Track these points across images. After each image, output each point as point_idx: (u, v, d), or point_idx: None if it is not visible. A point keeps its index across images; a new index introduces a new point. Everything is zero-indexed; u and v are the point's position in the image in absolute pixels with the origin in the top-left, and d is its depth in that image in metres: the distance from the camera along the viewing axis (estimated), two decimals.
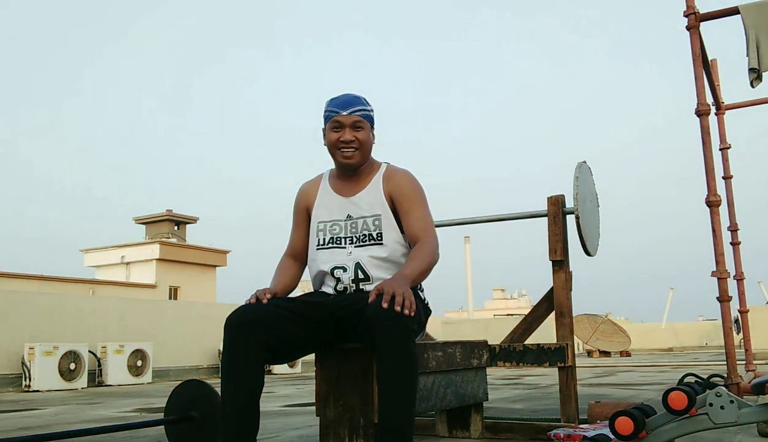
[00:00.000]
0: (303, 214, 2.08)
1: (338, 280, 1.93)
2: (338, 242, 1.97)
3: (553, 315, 2.90)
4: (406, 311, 1.59)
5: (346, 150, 1.96)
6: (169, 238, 25.68)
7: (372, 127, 2.01)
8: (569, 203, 2.88)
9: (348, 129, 1.95)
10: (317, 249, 1.99)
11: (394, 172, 2.02)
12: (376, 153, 2.10)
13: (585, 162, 2.95)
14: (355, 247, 1.95)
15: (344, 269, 1.93)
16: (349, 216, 1.99)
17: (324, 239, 1.99)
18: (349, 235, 1.96)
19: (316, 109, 2.07)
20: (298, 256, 2.09)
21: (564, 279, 2.84)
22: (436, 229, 2.06)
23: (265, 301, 1.80)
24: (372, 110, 2.02)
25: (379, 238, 1.94)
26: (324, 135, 2.01)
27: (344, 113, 1.95)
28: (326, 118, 1.99)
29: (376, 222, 1.95)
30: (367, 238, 1.95)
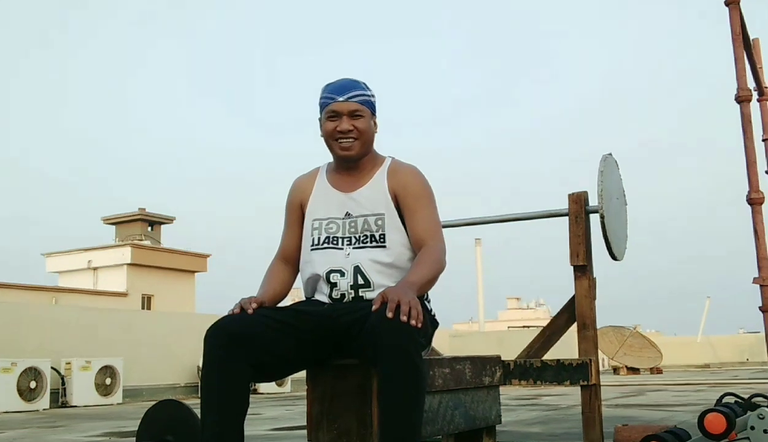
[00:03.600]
0: (296, 211, 2.08)
1: (334, 285, 1.93)
2: (335, 242, 1.97)
3: (574, 327, 2.90)
4: (414, 322, 1.59)
5: (344, 141, 1.96)
6: (141, 240, 25.68)
7: (373, 114, 2.02)
8: (593, 201, 2.88)
9: (345, 118, 1.95)
10: (311, 250, 1.99)
11: (399, 167, 2.02)
12: (380, 146, 2.10)
13: (610, 154, 2.95)
14: (353, 248, 1.94)
15: (341, 273, 1.92)
16: (348, 214, 1.99)
17: (319, 239, 1.98)
18: (348, 235, 1.96)
19: (311, 98, 2.07)
20: (290, 259, 2.09)
21: (587, 286, 2.84)
22: (444, 229, 2.07)
23: (250, 311, 1.80)
24: (373, 96, 2.02)
25: (382, 240, 1.94)
26: (320, 125, 2.02)
27: (340, 100, 1.96)
28: (321, 106, 2.00)
29: (379, 222, 1.95)
30: (368, 239, 1.94)
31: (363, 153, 1.99)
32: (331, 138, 1.99)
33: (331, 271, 1.93)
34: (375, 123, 2.03)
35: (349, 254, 1.94)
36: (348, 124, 1.96)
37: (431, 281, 1.86)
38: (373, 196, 1.98)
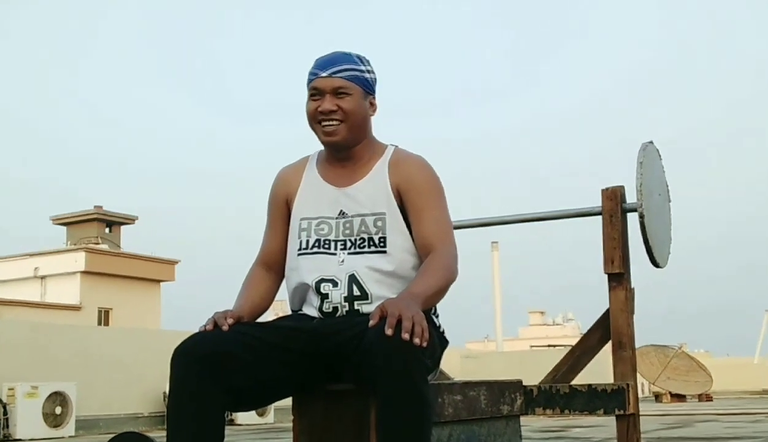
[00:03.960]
0: (281, 208, 2.08)
1: (325, 297, 1.92)
2: (326, 246, 1.96)
3: (609, 346, 2.90)
4: (417, 340, 1.59)
5: (327, 124, 1.95)
6: (98, 243, 25.68)
7: (368, 93, 2.01)
8: (631, 197, 2.87)
9: (328, 96, 1.95)
10: (299, 255, 1.99)
11: (403, 159, 2.03)
12: (380, 135, 2.10)
13: (651, 143, 2.94)
14: (348, 253, 1.94)
15: (334, 283, 1.92)
16: (342, 213, 1.98)
17: (308, 242, 1.98)
18: (342, 237, 1.96)
19: (299, 81, 2.07)
20: (272, 265, 2.09)
21: (624, 298, 2.84)
22: (455, 231, 2.06)
23: (225, 327, 1.80)
24: (369, 71, 2.01)
25: (382, 244, 1.93)
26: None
27: (323, 75, 1.95)
28: (307, 84, 2.00)
29: (379, 222, 1.95)
30: (365, 242, 1.94)
31: (351, 139, 1.98)
32: (313, 120, 1.99)
33: (322, 280, 1.93)
34: (372, 104, 2.02)
35: (343, 261, 1.94)
36: (331, 103, 1.94)
37: (439, 292, 1.86)
38: (372, 191, 1.98)
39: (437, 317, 2.00)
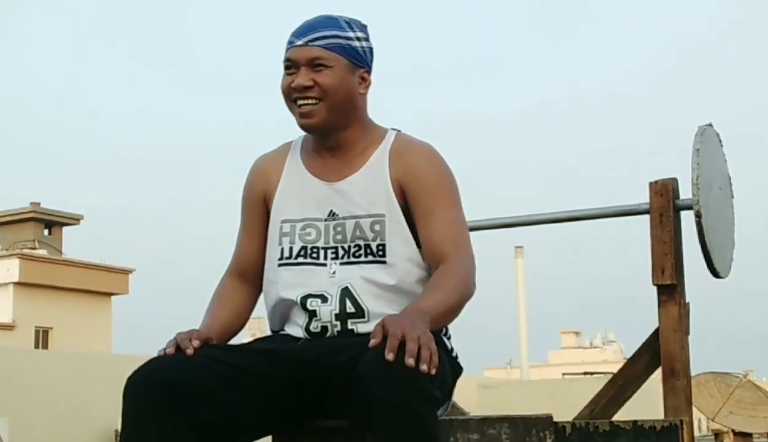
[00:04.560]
0: (258, 207, 2.09)
1: (313, 315, 1.93)
2: (314, 255, 1.97)
3: (658, 374, 2.90)
4: (424, 367, 1.59)
5: (303, 103, 1.95)
6: (34, 248, 25.72)
7: (358, 65, 1.99)
8: (685, 192, 2.88)
9: (304, 69, 1.94)
10: (279, 265, 1.99)
11: (407, 147, 2.02)
12: (376, 117, 2.09)
13: (710, 125, 2.95)
14: (340, 263, 1.95)
15: (323, 298, 1.93)
16: (332, 214, 1.98)
17: (291, 250, 1.99)
18: (333, 244, 1.96)
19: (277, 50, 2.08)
20: (248, 275, 2.09)
21: (677, 316, 2.84)
22: (471, 233, 2.07)
23: (190, 351, 1.80)
24: (356, 38, 2.00)
25: (381, 252, 1.94)
26: None
27: (299, 43, 1.96)
28: (284, 57, 2.01)
29: (376, 226, 1.95)
30: (361, 250, 1.95)
31: (333, 122, 1.97)
32: (288, 99, 1.99)
33: (309, 295, 1.94)
34: (363, 79, 2.01)
35: (334, 272, 1.94)
36: (306, 77, 1.93)
37: (453, 310, 1.86)
38: (368, 188, 1.98)
39: (449, 338, 2.01)
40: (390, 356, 1.59)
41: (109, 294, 25.99)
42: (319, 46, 1.94)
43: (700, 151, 2.82)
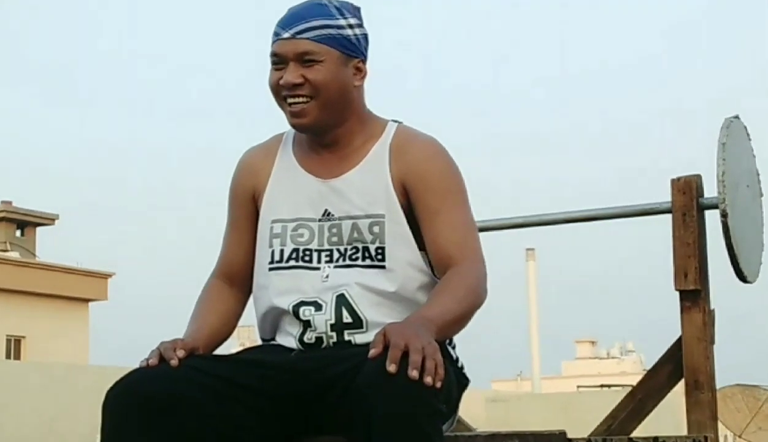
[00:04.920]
0: (246, 205, 2.08)
1: (307, 325, 1.93)
2: (306, 258, 1.97)
3: (681, 386, 2.91)
4: (429, 379, 1.58)
5: (293, 101, 1.94)
6: (6, 250, 25.75)
7: (351, 56, 1.97)
8: (710, 190, 2.88)
9: (292, 64, 1.92)
10: (270, 269, 1.99)
11: (409, 142, 2.01)
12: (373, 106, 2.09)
13: (737, 117, 2.95)
14: (335, 266, 1.94)
15: (317, 306, 1.92)
16: (327, 213, 1.98)
17: (282, 253, 1.98)
18: (327, 246, 1.96)
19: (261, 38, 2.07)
20: (235, 279, 2.09)
21: (701, 323, 2.85)
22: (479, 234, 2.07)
23: (175, 362, 1.80)
24: (348, 26, 1.98)
25: (380, 256, 1.93)
26: None
27: (285, 36, 1.93)
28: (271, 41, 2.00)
29: (375, 228, 1.94)
30: (358, 253, 1.94)
31: (327, 119, 1.96)
32: (277, 96, 1.98)
33: (302, 303, 1.93)
34: (358, 70, 1.99)
35: (328, 276, 1.94)
36: (295, 74, 1.92)
37: (461, 319, 1.86)
38: (366, 186, 1.97)
39: (453, 347, 2.01)
40: (392, 368, 1.58)
41: (87, 300, 25.96)
42: (307, 38, 1.92)
43: (726, 145, 2.82)
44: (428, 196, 1.95)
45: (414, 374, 1.57)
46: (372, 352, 1.64)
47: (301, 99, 1.93)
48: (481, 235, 3.25)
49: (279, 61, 1.95)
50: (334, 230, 1.97)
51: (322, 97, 1.93)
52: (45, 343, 23.89)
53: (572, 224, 3.37)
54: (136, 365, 1.83)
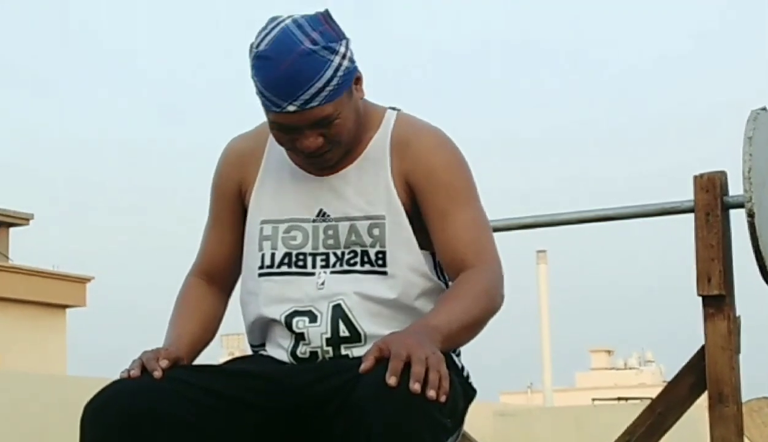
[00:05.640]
0: (231, 199, 2.05)
1: (300, 338, 1.92)
2: (300, 263, 1.95)
3: (704, 399, 2.90)
4: (432, 393, 1.58)
5: (315, 161, 1.91)
6: None
7: (353, 87, 1.91)
8: (735, 188, 2.88)
9: (307, 133, 1.85)
10: (260, 275, 1.98)
11: (413, 132, 1.98)
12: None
13: (765, 109, 2.95)
14: (331, 272, 1.93)
15: (311, 317, 1.91)
16: (322, 213, 1.96)
17: (273, 257, 1.97)
18: (323, 249, 1.94)
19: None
20: (216, 277, 2.09)
21: (725, 332, 2.85)
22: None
23: (158, 373, 1.79)
24: (342, 56, 1.85)
25: (380, 261, 1.92)
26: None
27: (291, 110, 1.81)
28: (262, 104, 1.90)
29: (375, 230, 1.92)
30: (357, 257, 1.93)
31: (347, 150, 1.94)
32: (289, 151, 1.94)
33: (295, 313, 1.92)
34: (358, 82, 1.93)
35: (323, 283, 1.93)
36: (314, 139, 1.85)
37: (471, 327, 1.85)
38: (365, 183, 1.95)
39: (459, 355, 2.00)
40: (392, 381, 1.57)
41: (64, 306, 25.97)
42: (317, 105, 1.82)
43: (753, 139, 2.82)
44: (436, 195, 1.93)
45: (416, 387, 1.56)
46: (363, 366, 1.63)
47: (323, 155, 1.89)
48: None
49: (289, 129, 1.87)
50: (330, 232, 1.95)
51: (344, 141, 1.90)
52: (19, 352, 23.89)
53: (587, 225, 3.36)
54: (117, 376, 1.82)
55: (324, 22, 1.85)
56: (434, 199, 1.93)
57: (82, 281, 26.49)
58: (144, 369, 1.80)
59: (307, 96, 1.80)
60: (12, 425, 11.28)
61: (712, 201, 2.89)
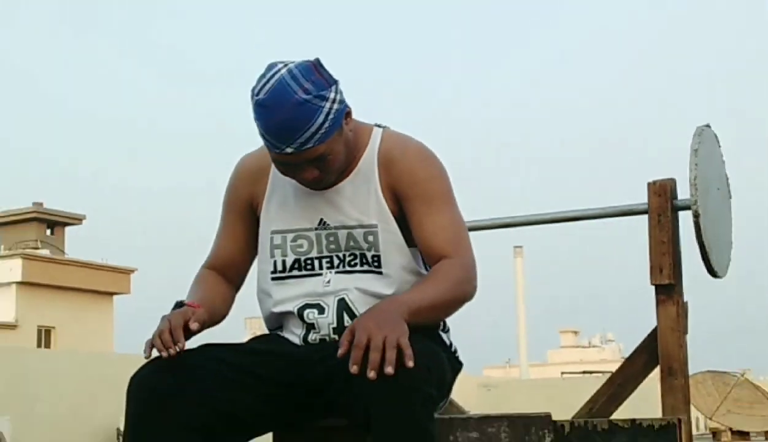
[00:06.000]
0: (243, 210, 2.04)
1: (311, 327, 1.92)
2: (308, 267, 1.95)
3: (656, 373, 2.90)
4: (390, 369, 1.55)
5: (313, 185, 1.91)
6: (37, 248, 25.73)
7: (344, 123, 1.87)
8: (683, 193, 2.88)
9: (304, 167, 1.86)
10: (273, 279, 1.97)
11: (398, 151, 1.95)
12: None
13: (708, 126, 2.95)
14: (336, 272, 1.93)
15: (320, 309, 1.91)
16: (323, 223, 1.95)
17: (284, 263, 1.96)
18: (327, 252, 1.94)
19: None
20: (227, 274, 2.06)
21: (675, 315, 2.84)
22: (470, 233, 2.05)
23: (195, 326, 1.77)
24: (332, 101, 1.81)
25: (376, 262, 1.91)
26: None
27: (289, 151, 1.81)
28: (264, 143, 1.88)
29: (370, 237, 1.93)
30: (356, 259, 1.93)
31: (340, 173, 1.93)
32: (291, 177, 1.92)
33: (306, 306, 1.92)
34: (348, 123, 1.89)
35: (329, 281, 1.93)
36: (311, 173, 1.85)
37: (440, 307, 1.85)
38: (358, 196, 1.94)
39: (447, 332, 2.01)
40: (354, 369, 1.58)
41: (111, 294, 25.97)
42: (312, 146, 1.80)
43: (698, 151, 2.81)
44: (418, 202, 1.92)
45: (372, 374, 1.56)
46: (339, 351, 1.64)
47: (320, 181, 1.89)
48: (473, 234, 3.24)
49: (289, 166, 1.87)
50: (332, 239, 1.94)
51: (336, 169, 1.90)
52: (73, 333, 23.90)
53: (557, 224, 3.35)
54: (156, 354, 1.81)
55: (315, 71, 1.81)
56: (417, 205, 1.92)
57: (127, 271, 26.50)
58: (171, 330, 1.76)
59: (303, 140, 1.78)
60: (68, 397, 11.27)
61: (663, 204, 2.89)
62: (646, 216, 2.90)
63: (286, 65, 1.81)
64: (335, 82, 1.84)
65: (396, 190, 1.93)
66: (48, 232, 27.24)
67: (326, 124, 1.80)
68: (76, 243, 28.59)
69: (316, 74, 1.81)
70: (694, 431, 3.39)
